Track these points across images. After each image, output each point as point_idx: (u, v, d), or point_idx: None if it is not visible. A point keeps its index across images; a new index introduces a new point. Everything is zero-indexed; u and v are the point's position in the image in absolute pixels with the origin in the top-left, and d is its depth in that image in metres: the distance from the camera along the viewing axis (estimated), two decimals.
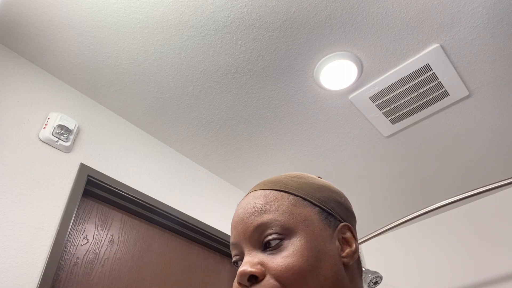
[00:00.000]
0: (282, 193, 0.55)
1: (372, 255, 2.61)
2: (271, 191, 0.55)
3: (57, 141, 1.47)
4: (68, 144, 1.50)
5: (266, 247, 0.50)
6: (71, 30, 1.46)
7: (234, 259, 0.54)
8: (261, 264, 0.48)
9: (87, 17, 1.42)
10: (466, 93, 1.70)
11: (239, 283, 0.49)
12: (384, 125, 1.86)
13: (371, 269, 2.55)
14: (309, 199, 0.55)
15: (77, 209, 1.52)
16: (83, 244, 1.49)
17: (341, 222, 0.55)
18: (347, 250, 0.53)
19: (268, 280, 0.47)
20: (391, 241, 2.56)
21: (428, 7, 1.40)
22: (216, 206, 2.07)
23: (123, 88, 1.68)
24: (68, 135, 1.51)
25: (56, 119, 1.50)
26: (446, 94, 1.71)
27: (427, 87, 1.68)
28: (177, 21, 1.44)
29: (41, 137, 1.46)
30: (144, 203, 1.69)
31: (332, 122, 1.86)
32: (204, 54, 1.55)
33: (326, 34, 1.49)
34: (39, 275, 1.25)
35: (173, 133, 1.91)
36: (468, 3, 1.39)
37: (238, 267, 0.53)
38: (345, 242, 0.54)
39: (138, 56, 1.55)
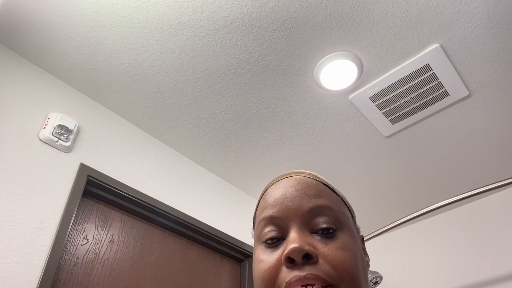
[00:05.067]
0: (326, 187, 0.54)
1: (372, 255, 2.61)
2: (317, 182, 0.54)
3: (57, 141, 1.47)
4: (68, 144, 1.50)
5: (317, 231, 0.49)
6: (71, 30, 1.46)
7: (270, 234, 0.50)
8: (313, 246, 0.46)
9: (87, 17, 1.42)
10: (466, 93, 1.70)
11: (288, 259, 0.46)
12: (384, 125, 1.86)
13: (371, 269, 2.55)
14: (346, 203, 0.55)
15: (77, 209, 1.52)
16: (83, 244, 1.48)
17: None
18: (366, 258, 0.55)
19: (323, 264, 0.45)
20: (391, 241, 2.56)
21: (428, 7, 1.40)
22: (216, 206, 2.07)
23: (123, 88, 1.68)
24: (68, 135, 1.51)
25: (56, 119, 1.50)
26: (446, 94, 1.71)
27: (427, 87, 1.68)
28: (177, 21, 1.44)
29: (41, 137, 1.46)
30: (144, 203, 1.69)
31: (332, 122, 1.86)
32: (204, 54, 1.55)
33: (326, 34, 1.49)
34: (39, 275, 1.25)
35: (173, 133, 1.91)
36: (468, 3, 1.39)
37: (273, 243, 0.50)
38: (364, 252, 0.55)
39: (138, 56, 1.55)
